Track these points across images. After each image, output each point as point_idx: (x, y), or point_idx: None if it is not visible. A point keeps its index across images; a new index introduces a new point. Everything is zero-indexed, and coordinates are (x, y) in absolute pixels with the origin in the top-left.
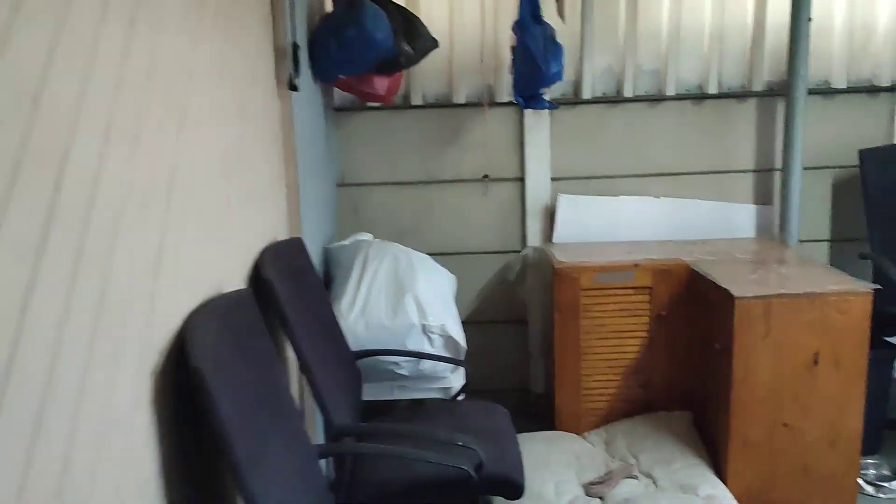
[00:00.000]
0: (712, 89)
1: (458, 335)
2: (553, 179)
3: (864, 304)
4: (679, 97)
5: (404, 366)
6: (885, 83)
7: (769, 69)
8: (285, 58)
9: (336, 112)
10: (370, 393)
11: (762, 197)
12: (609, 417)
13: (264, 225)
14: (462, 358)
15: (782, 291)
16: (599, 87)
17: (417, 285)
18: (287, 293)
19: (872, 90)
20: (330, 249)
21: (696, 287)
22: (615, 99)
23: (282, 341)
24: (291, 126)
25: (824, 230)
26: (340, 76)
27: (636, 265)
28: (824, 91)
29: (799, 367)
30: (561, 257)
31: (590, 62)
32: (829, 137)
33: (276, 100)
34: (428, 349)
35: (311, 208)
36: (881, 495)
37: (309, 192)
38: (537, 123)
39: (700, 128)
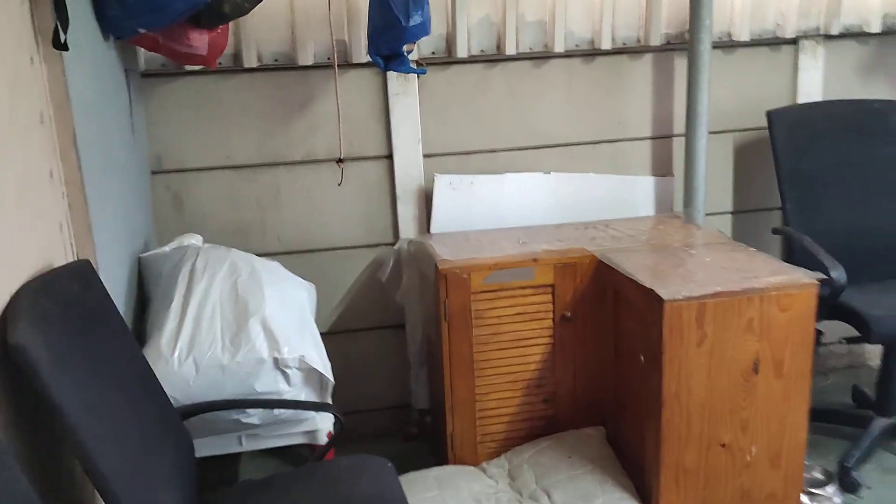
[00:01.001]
0: (605, 44)
1: (322, 365)
2: (426, 156)
3: (808, 298)
4: (568, 54)
5: (254, 414)
6: (790, 35)
7: (667, 20)
8: (45, 4)
9: (143, 79)
10: (207, 447)
11: (661, 167)
12: (511, 441)
13: (25, 250)
14: (329, 395)
15: (718, 290)
16: (476, 44)
17: (265, 305)
18: (58, 357)
19: (775, 43)
20: (145, 260)
21: (606, 282)
22: (495, 57)
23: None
24: (67, 99)
25: (727, 201)
26: (141, 30)
27: (535, 259)
28: (725, 45)
29: (737, 377)
30: (444, 253)
31: (463, 12)
32: (730, 97)
33: (36, 65)
34: (284, 389)
35: (108, 209)
36: None
37: (103, 188)
38: (404, 89)
39: (592, 89)
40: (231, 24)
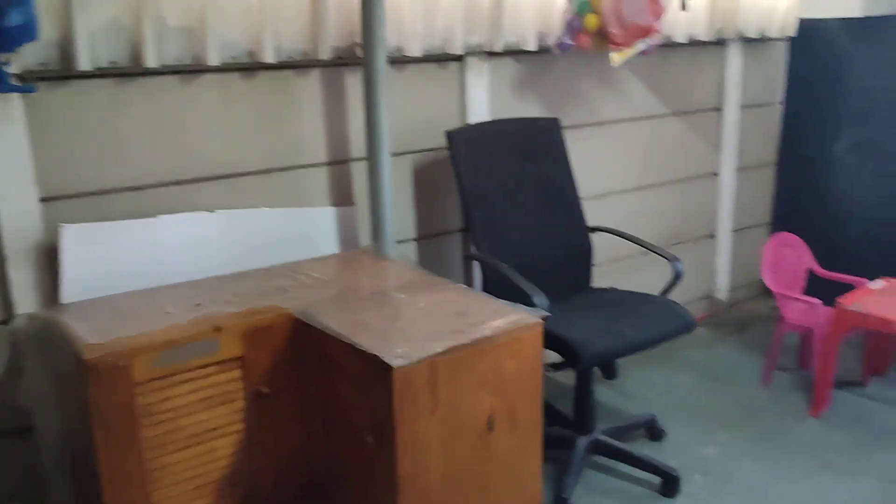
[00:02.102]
0: (268, 57)
1: None
2: (45, 200)
3: (535, 339)
4: (225, 68)
5: None
6: (457, 51)
7: (336, 31)
8: None
9: None
10: None
11: (342, 196)
12: None
13: None
14: None
15: (449, 345)
16: (105, 54)
17: None
18: None
19: (444, 59)
20: None
21: (309, 344)
22: (131, 70)
23: None
24: None
25: (410, 228)
26: None
27: (218, 328)
28: (397, 60)
29: (473, 440)
30: (88, 332)
31: (83, 13)
32: (405, 116)
33: None
34: None
35: None
36: None
37: None
38: (2, 113)
39: (256, 110)
40: None
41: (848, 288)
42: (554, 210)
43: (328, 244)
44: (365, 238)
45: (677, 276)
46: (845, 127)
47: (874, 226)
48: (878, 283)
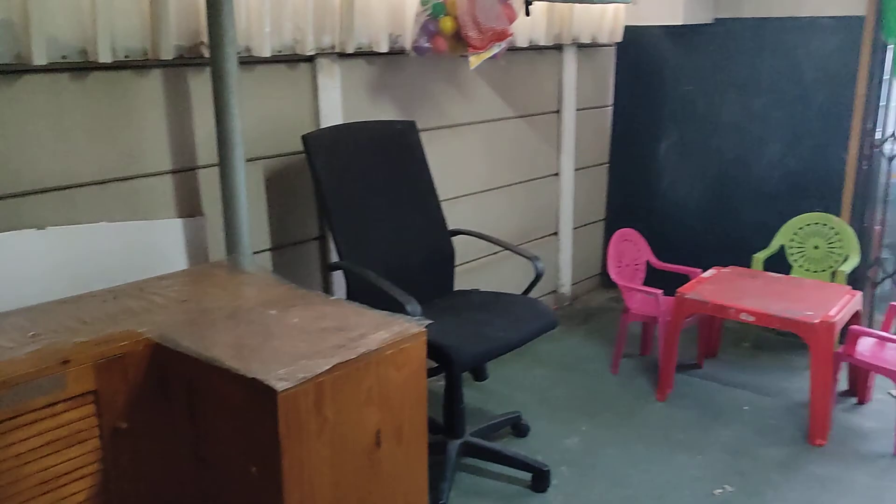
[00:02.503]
0: (104, 56)
1: None
2: None
3: (419, 349)
4: (53, 67)
5: None
6: (308, 52)
7: (178, 29)
8: None
9: None
10: None
11: (188, 206)
12: None
13: None
14: None
15: (336, 362)
16: None
17: None
18: None
19: (294, 60)
20: None
21: (172, 372)
22: None
23: None
24: None
25: (264, 238)
26: None
27: (66, 361)
28: (245, 60)
29: (361, 459)
30: None
31: None
32: (255, 119)
33: None
34: None
35: None
36: None
37: None
38: None
39: (90, 114)
40: None
41: (683, 278)
42: (415, 214)
43: (177, 259)
44: (216, 251)
45: (538, 275)
46: (667, 128)
47: (699, 219)
48: (710, 272)
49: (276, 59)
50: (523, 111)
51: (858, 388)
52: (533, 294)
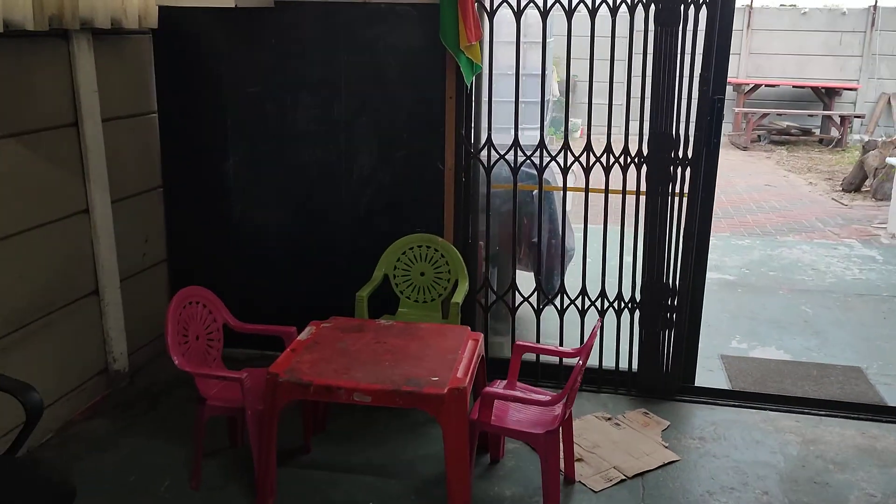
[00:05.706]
0: None
1: None
2: None
3: None
4: None
5: None
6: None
7: None
8: None
9: None
10: None
11: None
12: None
13: None
14: None
15: None
16: None
17: None
18: None
19: None
20: None
21: None
22: None
23: None
24: None
25: None
26: None
27: None
28: None
29: None
30: None
31: None
32: None
33: None
34: None
35: None
36: None
37: None
38: None
39: None
40: None
41: (276, 340)
42: None
43: None
44: None
45: (34, 413)
46: (234, 140)
47: (286, 252)
48: (307, 331)
49: None
50: (15, 128)
51: (490, 445)
52: (72, 384)
